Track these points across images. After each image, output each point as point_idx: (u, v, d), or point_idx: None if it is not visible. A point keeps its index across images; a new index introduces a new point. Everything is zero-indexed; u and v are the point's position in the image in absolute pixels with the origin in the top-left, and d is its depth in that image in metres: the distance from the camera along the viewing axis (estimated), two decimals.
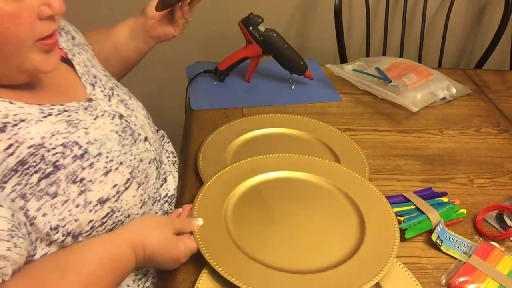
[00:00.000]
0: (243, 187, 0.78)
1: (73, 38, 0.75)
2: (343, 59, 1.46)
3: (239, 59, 1.09)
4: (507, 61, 1.53)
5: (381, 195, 0.78)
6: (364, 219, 0.73)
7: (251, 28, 1.04)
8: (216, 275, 0.64)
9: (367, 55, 1.49)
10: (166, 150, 0.88)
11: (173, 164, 0.86)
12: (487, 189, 0.86)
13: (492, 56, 1.51)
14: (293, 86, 1.12)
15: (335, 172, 0.82)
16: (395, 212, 0.76)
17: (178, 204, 0.79)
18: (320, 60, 1.26)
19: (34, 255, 0.56)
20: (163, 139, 0.90)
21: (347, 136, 0.95)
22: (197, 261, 0.67)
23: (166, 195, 0.78)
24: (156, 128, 0.88)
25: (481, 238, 0.75)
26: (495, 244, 0.73)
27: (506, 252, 0.72)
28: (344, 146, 0.92)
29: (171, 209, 0.79)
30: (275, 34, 1.06)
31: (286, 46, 1.06)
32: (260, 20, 1.05)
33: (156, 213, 0.76)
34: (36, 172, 0.55)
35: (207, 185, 0.77)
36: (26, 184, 0.54)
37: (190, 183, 0.82)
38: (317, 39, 1.66)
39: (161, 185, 0.78)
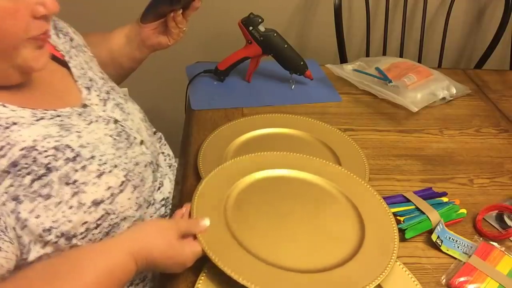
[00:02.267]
0: (242, 184, 0.77)
1: (71, 39, 0.75)
2: (343, 59, 1.46)
3: (239, 59, 1.09)
4: (507, 61, 1.53)
5: (379, 197, 0.77)
6: (363, 220, 0.73)
7: (251, 28, 1.05)
8: (216, 275, 0.64)
9: (367, 55, 1.49)
10: (163, 153, 0.87)
11: (169, 167, 0.86)
12: (487, 189, 0.86)
13: (492, 56, 1.51)
14: (293, 86, 1.12)
15: (336, 173, 0.82)
16: (395, 212, 0.76)
17: (177, 206, 0.79)
18: (320, 60, 1.27)
19: (27, 258, 0.56)
20: (160, 141, 0.89)
21: (347, 136, 0.95)
22: (197, 261, 0.67)
23: (162, 199, 0.78)
24: (154, 130, 0.87)
25: (481, 238, 0.75)
26: (495, 244, 0.73)
27: (506, 252, 0.72)
28: (344, 146, 0.92)
29: (166, 212, 0.79)
30: (275, 34, 1.06)
31: (286, 46, 1.06)
32: (260, 20, 1.05)
33: (151, 216, 0.75)
34: (28, 173, 0.55)
35: (204, 181, 0.76)
36: (19, 186, 0.54)
37: (190, 183, 0.82)
38: (317, 39, 1.66)
39: (159, 188, 0.77)
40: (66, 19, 0.82)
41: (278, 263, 0.65)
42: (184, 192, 0.81)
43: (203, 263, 0.66)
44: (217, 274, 0.64)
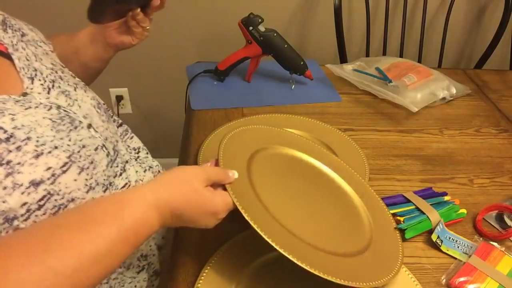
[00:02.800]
0: (271, 151, 0.77)
1: (23, 35, 0.75)
2: (343, 59, 1.46)
3: (239, 59, 1.10)
4: (507, 61, 1.53)
5: (381, 201, 0.78)
6: (371, 223, 0.72)
7: (251, 28, 1.05)
8: (216, 275, 0.64)
9: (367, 55, 1.49)
10: (129, 146, 0.87)
11: (136, 160, 0.85)
12: (487, 189, 0.86)
13: (492, 56, 1.51)
14: (293, 86, 1.12)
15: (352, 176, 0.82)
16: (395, 212, 0.76)
17: None
18: (320, 60, 1.27)
19: None
20: (126, 134, 0.88)
21: (347, 136, 0.95)
22: (197, 261, 0.67)
23: (126, 185, 0.76)
24: (119, 122, 0.87)
25: (481, 238, 0.75)
26: (495, 244, 0.73)
27: (506, 252, 0.72)
28: (344, 146, 0.92)
29: None
30: (275, 34, 1.06)
31: (286, 46, 1.06)
32: (260, 20, 1.05)
33: None
34: None
35: (229, 136, 0.75)
36: None
37: None
38: (317, 39, 1.66)
39: (120, 174, 0.76)
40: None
41: (298, 235, 0.63)
42: None
43: (203, 264, 0.66)
44: (218, 274, 0.64)
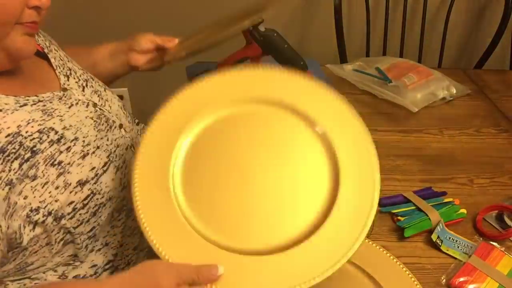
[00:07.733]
0: (189, 135, 0.63)
1: (50, 41, 0.78)
2: (343, 59, 1.46)
3: (239, 59, 1.09)
4: (507, 61, 1.53)
5: (361, 124, 0.62)
6: (338, 166, 0.58)
7: (251, 28, 1.04)
8: None
9: (367, 55, 1.49)
10: None
11: None
12: (487, 189, 0.86)
13: (492, 56, 1.51)
14: None
15: (300, 91, 0.63)
16: (395, 212, 0.76)
17: None
18: (320, 60, 1.26)
19: (21, 242, 0.57)
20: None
21: None
22: None
23: None
24: (136, 120, 0.89)
25: (481, 238, 0.75)
26: (495, 244, 0.73)
27: (506, 252, 0.72)
28: None
29: None
30: (275, 34, 1.05)
31: (286, 46, 1.06)
32: (260, 20, 1.05)
33: None
34: (16, 158, 0.57)
35: (146, 138, 0.63)
36: (10, 171, 0.56)
37: None
38: (317, 39, 1.66)
39: None
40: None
41: (224, 243, 0.54)
42: None
43: None
44: None
